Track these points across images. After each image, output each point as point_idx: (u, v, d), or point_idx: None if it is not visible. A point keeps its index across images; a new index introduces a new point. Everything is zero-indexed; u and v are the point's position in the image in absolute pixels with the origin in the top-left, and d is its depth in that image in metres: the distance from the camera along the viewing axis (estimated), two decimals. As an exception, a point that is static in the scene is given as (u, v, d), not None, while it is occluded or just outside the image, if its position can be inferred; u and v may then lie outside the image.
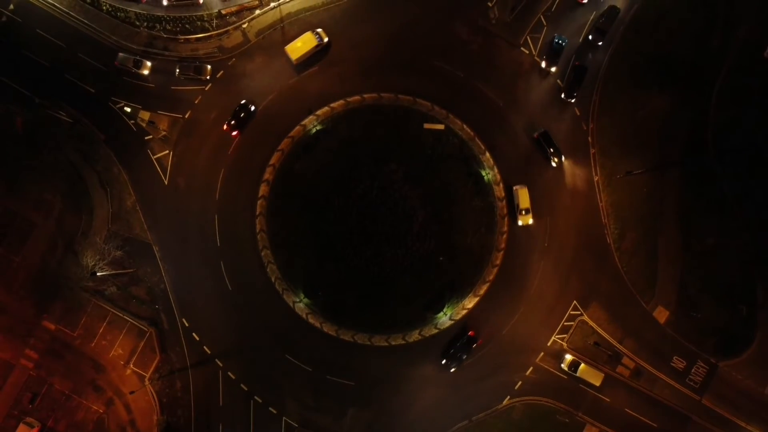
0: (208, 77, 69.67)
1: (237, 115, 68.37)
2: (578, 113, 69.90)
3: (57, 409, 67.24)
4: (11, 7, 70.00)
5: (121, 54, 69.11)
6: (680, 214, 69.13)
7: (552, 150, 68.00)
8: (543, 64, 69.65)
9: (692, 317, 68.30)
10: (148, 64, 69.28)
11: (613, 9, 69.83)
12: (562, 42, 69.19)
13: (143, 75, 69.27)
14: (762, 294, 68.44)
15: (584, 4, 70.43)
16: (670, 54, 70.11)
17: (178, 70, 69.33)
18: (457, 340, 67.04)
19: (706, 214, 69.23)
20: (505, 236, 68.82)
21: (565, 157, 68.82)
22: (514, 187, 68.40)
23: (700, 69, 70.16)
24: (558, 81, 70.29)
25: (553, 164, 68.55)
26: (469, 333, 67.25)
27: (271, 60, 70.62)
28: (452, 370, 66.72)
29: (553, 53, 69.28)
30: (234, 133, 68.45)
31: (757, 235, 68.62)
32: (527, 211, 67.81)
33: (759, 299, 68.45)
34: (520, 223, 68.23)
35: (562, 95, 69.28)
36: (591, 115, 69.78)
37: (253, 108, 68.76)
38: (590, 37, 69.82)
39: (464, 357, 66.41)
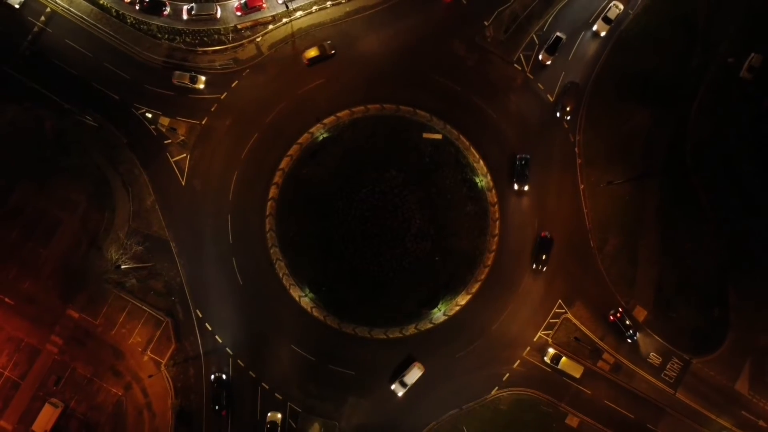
0: (201, 86, 74.65)
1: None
2: (566, 126, 75.21)
3: (79, 392, 72.08)
4: (42, 18, 75.46)
5: (177, 71, 74.30)
6: (659, 221, 74.39)
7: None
8: (515, 186, 73.86)
9: (669, 317, 73.47)
10: (203, 78, 74.37)
11: (572, 84, 75.22)
12: (525, 162, 73.26)
13: (199, 89, 74.34)
14: (734, 296, 73.46)
15: (547, 65, 75.70)
16: (653, 72, 75.59)
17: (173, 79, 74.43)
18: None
19: (683, 221, 74.47)
20: (496, 239, 74.01)
21: (552, 169, 74.17)
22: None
23: (680, 87, 75.67)
24: (548, 96, 75.64)
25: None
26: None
27: (282, 71, 75.92)
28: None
29: (519, 174, 73.24)
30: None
31: (730, 241, 73.80)
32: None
33: (731, 301, 73.46)
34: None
35: (557, 114, 74.95)
36: (578, 127, 75.10)
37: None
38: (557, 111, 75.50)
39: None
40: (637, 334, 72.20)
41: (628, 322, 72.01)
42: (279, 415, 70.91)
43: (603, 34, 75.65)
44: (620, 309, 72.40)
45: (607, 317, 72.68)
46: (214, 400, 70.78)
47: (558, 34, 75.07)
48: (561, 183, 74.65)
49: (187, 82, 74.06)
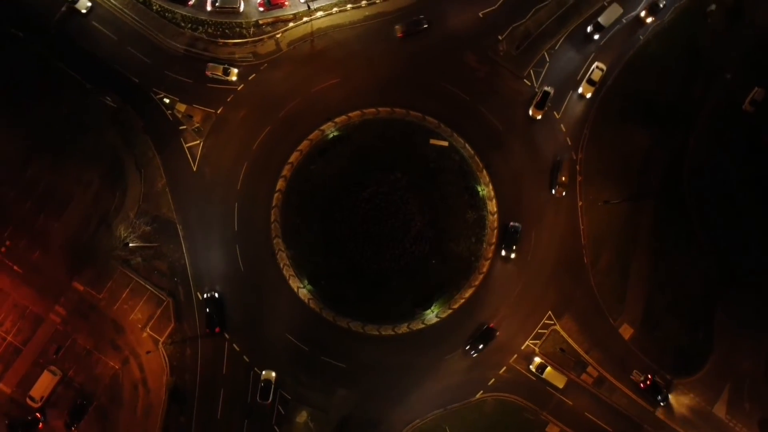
0: (234, 79, 76.99)
1: None
2: (569, 143, 77.37)
3: (78, 362, 74.25)
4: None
5: (210, 63, 76.73)
6: (652, 241, 76.59)
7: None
8: (503, 252, 75.20)
9: (654, 336, 75.49)
10: (235, 71, 76.74)
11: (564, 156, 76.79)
12: (517, 229, 75.14)
13: (231, 81, 76.68)
14: (719, 321, 75.62)
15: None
16: (657, 96, 77.94)
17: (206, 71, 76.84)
18: None
19: (676, 244, 76.72)
20: (492, 247, 76.09)
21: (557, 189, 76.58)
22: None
23: (682, 113, 77.91)
24: (555, 113, 77.80)
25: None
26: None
27: (299, 69, 78.16)
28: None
29: (509, 238, 74.99)
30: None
31: (719, 266, 75.92)
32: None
33: (716, 325, 75.64)
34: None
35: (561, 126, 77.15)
36: (580, 145, 77.24)
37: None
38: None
39: None
40: (669, 397, 74.28)
41: (659, 384, 73.86)
42: (273, 374, 73.04)
43: (588, 95, 77.36)
44: (649, 376, 74.09)
45: (637, 383, 74.53)
46: (207, 320, 73.30)
47: (546, 88, 76.74)
48: (560, 198, 76.64)
49: (220, 74, 76.41)
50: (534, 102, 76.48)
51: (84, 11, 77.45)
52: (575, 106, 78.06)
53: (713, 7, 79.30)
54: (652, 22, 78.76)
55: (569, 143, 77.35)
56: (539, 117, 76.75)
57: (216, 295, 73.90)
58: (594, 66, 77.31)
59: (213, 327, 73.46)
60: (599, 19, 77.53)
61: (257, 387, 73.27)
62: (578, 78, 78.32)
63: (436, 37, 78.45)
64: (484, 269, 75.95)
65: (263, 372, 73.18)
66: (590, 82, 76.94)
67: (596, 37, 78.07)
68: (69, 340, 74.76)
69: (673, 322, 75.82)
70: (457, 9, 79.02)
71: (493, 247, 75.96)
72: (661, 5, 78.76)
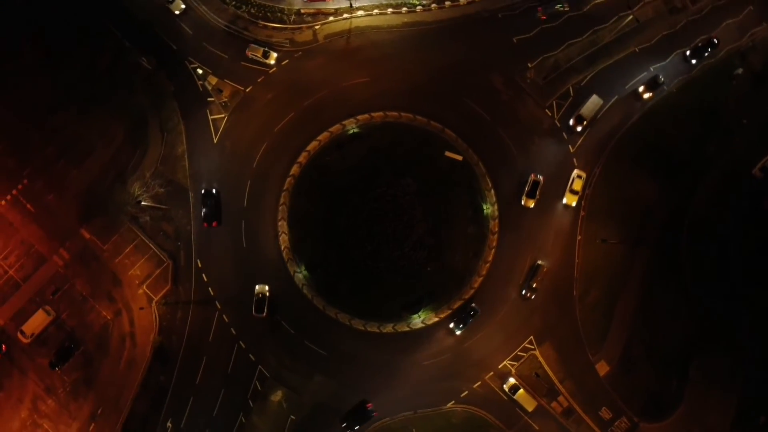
0: (272, 62, 79.45)
1: None
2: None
3: (73, 306, 76.58)
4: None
5: (252, 44, 79.18)
6: (642, 285, 78.49)
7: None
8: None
9: (629, 377, 77.37)
10: (275, 55, 79.11)
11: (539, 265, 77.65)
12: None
13: (269, 64, 79.04)
14: (694, 373, 77.60)
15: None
16: (671, 148, 79.91)
17: (247, 51, 79.21)
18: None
19: (664, 291, 78.54)
20: (488, 265, 78.02)
21: (557, 214, 78.36)
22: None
23: (692, 168, 79.84)
24: (570, 147, 79.83)
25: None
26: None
27: (331, 62, 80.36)
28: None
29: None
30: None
31: (702, 321, 77.81)
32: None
33: (690, 377, 77.61)
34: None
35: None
36: (590, 182, 79.20)
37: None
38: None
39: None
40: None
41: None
42: (267, 287, 75.63)
43: (573, 204, 78.13)
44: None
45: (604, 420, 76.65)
46: (205, 213, 76.19)
47: (533, 176, 77.63)
48: (561, 228, 78.63)
49: (260, 56, 78.74)
50: (525, 191, 77.56)
51: (177, 12, 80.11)
52: (592, 143, 80.00)
53: (740, 70, 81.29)
54: (649, 98, 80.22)
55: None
56: (531, 206, 77.86)
57: (214, 191, 76.75)
58: (574, 174, 78.24)
59: (211, 221, 76.14)
60: (580, 112, 78.69)
61: (238, 360, 75.56)
62: (599, 116, 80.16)
63: (468, 54, 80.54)
64: (476, 285, 77.89)
65: (257, 286, 75.73)
66: (573, 191, 77.81)
67: (578, 129, 78.96)
68: (67, 284, 77.07)
69: (649, 367, 77.73)
70: (493, 31, 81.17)
71: (488, 265, 77.93)
72: (661, 80, 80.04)
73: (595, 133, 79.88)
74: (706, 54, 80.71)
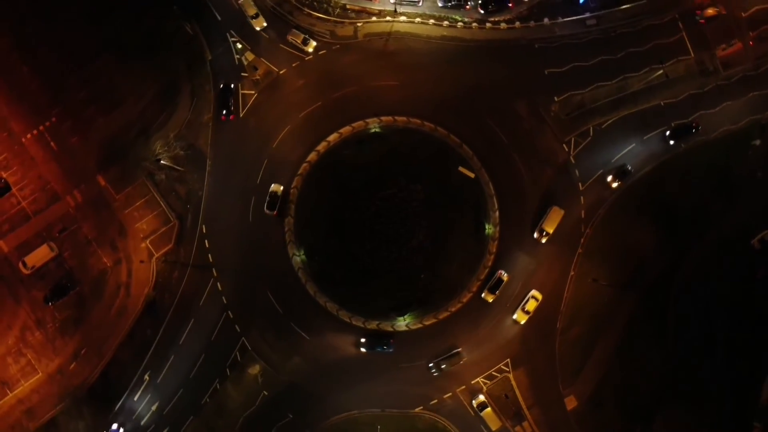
0: (310, 50, 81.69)
1: None
2: (583, 216, 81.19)
3: (76, 247, 78.97)
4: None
5: (294, 29, 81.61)
6: (624, 330, 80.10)
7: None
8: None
9: (594, 416, 79.10)
10: (314, 43, 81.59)
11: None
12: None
13: (307, 51, 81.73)
14: (659, 424, 79.06)
15: None
16: (676, 204, 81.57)
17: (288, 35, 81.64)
18: None
19: (645, 340, 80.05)
20: (479, 283, 79.98)
21: (555, 245, 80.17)
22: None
23: (693, 228, 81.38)
24: (580, 185, 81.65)
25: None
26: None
27: (366, 60, 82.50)
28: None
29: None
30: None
31: (676, 374, 79.32)
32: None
33: (654, 427, 79.14)
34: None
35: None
36: (592, 222, 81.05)
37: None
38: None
39: None
40: None
41: None
42: (281, 187, 78.81)
43: (523, 322, 78.97)
44: None
45: None
46: (221, 104, 79.85)
47: (499, 273, 78.95)
48: (556, 261, 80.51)
49: (299, 42, 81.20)
50: (488, 285, 78.90)
51: (258, 29, 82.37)
52: (600, 187, 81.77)
53: (758, 142, 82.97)
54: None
55: (583, 216, 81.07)
56: (491, 300, 78.93)
57: (232, 86, 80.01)
58: (530, 294, 79.06)
59: (228, 114, 79.71)
60: (543, 226, 79.39)
61: (224, 329, 77.87)
62: (613, 160, 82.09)
63: (499, 77, 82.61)
64: (465, 299, 79.77)
65: (273, 185, 78.93)
66: (525, 312, 78.47)
67: (543, 241, 79.87)
68: (75, 225, 79.39)
69: (616, 409, 79.34)
70: (527, 59, 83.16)
71: (479, 283, 79.87)
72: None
73: (606, 176, 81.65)
74: (689, 135, 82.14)
